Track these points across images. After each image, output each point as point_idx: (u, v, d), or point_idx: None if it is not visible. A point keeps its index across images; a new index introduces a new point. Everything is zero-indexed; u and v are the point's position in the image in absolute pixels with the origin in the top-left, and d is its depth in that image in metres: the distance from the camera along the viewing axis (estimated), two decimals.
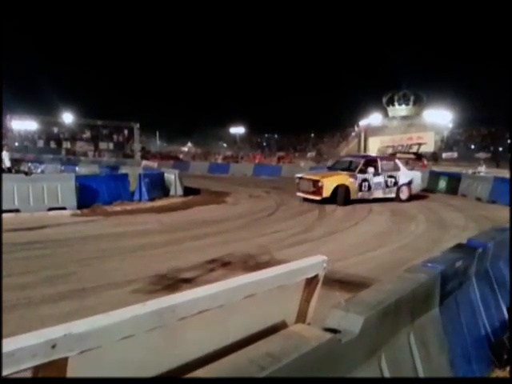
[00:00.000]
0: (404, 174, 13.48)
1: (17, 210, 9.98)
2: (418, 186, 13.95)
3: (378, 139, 45.09)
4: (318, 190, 12.25)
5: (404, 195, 13.38)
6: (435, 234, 8.51)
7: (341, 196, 12.20)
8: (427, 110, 44.10)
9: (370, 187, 12.81)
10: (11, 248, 6.50)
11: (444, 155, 39.92)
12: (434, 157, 37.11)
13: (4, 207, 9.71)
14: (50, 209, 10.43)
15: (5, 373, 0.95)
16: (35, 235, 7.84)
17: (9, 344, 0.98)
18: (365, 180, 12.73)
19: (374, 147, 43.02)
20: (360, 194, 12.68)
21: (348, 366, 1.78)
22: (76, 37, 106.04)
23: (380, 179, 13.02)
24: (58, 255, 6.41)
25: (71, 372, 1.11)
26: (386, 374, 2.04)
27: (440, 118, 43.10)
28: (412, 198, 13.52)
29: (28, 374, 1.03)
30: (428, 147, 41.92)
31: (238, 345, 1.58)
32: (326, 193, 12.17)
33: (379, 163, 13.23)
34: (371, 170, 12.91)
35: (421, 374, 2.30)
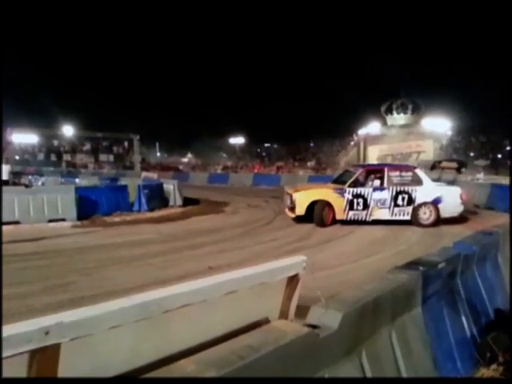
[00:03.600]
0: (425, 190, 10.15)
1: (17, 222, 10.10)
2: (452, 206, 10.16)
3: (377, 148, 45.24)
4: (293, 205, 10.21)
5: (427, 218, 10.09)
6: (430, 240, 8.57)
7: (317, 214, 9.96)
8: (426, 118, 44.34)
9: (366, 205, 10.10)
10: (11, 259, 6.61)
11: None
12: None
13: (4, 219, 9.86)
14: (51, 220, 10.56)
15: (3, 355, 1.07)
16: (35, 246, 7.95)
17: (6, 330, 1.10)
18: (359, 195, 10.08)
19: (373, 156, 43.17)
20: (351, 213, 10.11)
21: (327, 360, 1.89)
22: (77, 50, 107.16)
23: (384, 195, 10.10)
24: (58, 265, 6.52)
25: (64, 357, 1.23)
26: (367, 370, 2.15)
27: (438, 125, 43.29)
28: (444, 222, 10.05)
29: (25, 357, 1.15)
30: (427, 155, 41.99)
31: (221, 339, 1.69)
32: (300, 210, 10.04)
33: (386, 174, 10.29)
34: (377, 182, 10.35)
35: (403, 371, 2.40)
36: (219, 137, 62.04)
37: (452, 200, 10.22)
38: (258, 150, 74.01)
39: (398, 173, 10.47)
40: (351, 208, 10.15)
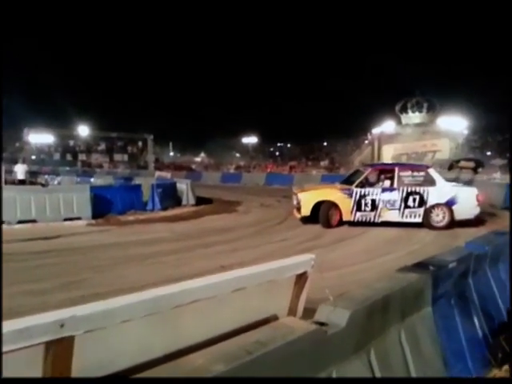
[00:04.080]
0: (439, 190, 9.73)
1: (34, 221, 10.31)
2: (468, 208, 9.68)
3: (391, 147, 44.81)
4: (299, 206, 10.07)
5: (440, 221, 9.70)
6: (444, 241, 8.45)
7: (323, 215, 9.75)
8: (441, 116, 43.74)
9: (374, 206, 9.77)
10: (26, 256, 6.79)
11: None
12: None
13: (21, 218, 10.14)
14: (66, 219, 10.75)
15: (19, 346, 1.12)
16: (50, 244, 8.10)
17: (23, 322, 1.16)
18: (366, 196, 9.79)
19: (387, 155, 42.78)
20: (359, 214, 9.82)
21: (335, 357, 1.91)
22: (92, 51, 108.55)
23: (394, 196, 9.74)
24: (72, 263, 6.64)
25: (78, 349, 1.28)
26: (376, 368, 2.16)
27: (454, 124, 42.63)
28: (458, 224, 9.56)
29: (41, 348, 1.20)
30: (443, 155, 41.39)
31: (230, 335, 1.72)
32: (305, 210, 9.87)
33: (396, 174, 9.93)
34: (386, 182, 10.08)
35: (412, 370, 2.40)
36: (232, 136, 62.23)
37: (467, 202, 9.73)
38: (271, 149, 74.09)
39: (409, 173, 10.07)
40: (359, 209, 9.84)
